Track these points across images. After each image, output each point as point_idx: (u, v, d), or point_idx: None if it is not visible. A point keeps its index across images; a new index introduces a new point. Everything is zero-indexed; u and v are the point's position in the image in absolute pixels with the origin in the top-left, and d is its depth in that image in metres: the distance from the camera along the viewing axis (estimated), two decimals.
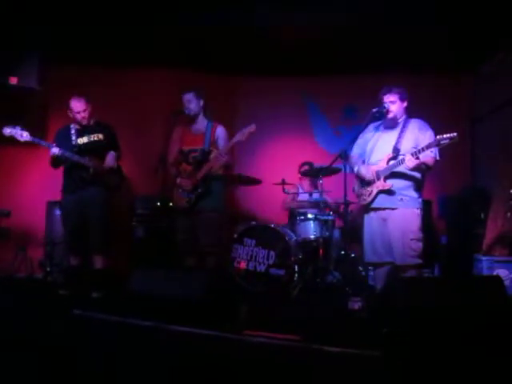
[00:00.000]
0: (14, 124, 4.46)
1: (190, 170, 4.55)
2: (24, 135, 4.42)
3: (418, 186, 4.06)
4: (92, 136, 4.61)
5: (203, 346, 2.65)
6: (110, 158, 4.63)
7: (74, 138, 4.59)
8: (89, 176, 4.48)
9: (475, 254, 4.88)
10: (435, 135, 3.81)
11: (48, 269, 5.35)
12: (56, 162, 4.56)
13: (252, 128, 4.36)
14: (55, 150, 4.42)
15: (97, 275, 4.52)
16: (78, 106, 4.55)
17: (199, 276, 3.55)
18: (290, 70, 6.36)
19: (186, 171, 4.58)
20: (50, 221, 5.58)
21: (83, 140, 4.60)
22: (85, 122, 4.63)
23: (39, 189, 5.90)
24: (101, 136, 4.64)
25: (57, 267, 5.34)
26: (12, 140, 4.46)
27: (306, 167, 5.74)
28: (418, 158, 3.83)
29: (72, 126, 4.66)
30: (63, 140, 4.58)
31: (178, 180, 4.59)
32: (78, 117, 4.57)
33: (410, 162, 3.84)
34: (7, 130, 4.43)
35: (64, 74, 5.85)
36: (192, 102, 4.59)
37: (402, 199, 3.98)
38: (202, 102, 4.64)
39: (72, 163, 4.50)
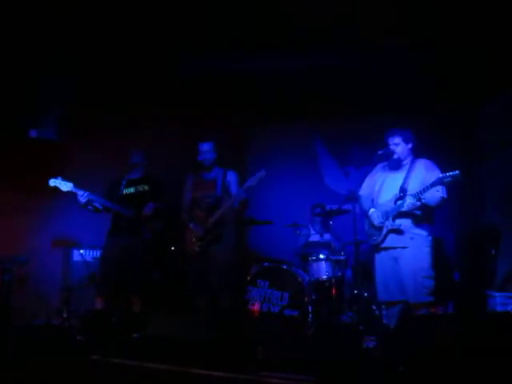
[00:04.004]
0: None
1: (203, 216, 4.66)
2: (67, 185, 4.66)
3: (428, 223, 4.12)
4: (139, 187, 4.90)
5: None
6: (148, 208, 4.81)
7: (122, 187, 4.89)
8: (130, 223, 4.74)
9: (488, 290, 4.87)
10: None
11: (65, 315, 5.40)
12: (90, 209, 4.76)
13: (262, 174, 4.48)
14: (83, 197, 4.62)
15: (137, 317, 4.64)
16: (131, 155, 4.90)
17: (213, 318, 3.59)
18: (299, 112, 6.53)
19: (198, 217, 4.69)
20: (67, 267, 5.67)
21: (129, 190, 4.89)
22: (134, 172, 4.93)
23: (56, 235, 6.01)
24: (146, 187, 4.90)
25: (74, 313, 5.39)
26: (28, 188, 4.66)
27: (318, 209, 5.83)
28: (419, 200, 3.91)
29: (126, 176, 4.95)
30: (111, 189, 4.87)
31: (191, 226, 4.69)
32: (131, 165, 4.90)
33: (409, 205, 3.93)
34: (52, 182, 4.67)
35: (80, 126, 6.05)
36: (209, 153, 4.74)
37: (412, 238, 4.04)
38: (217, 154, 4.80)
39: (114, 212, 4.78)
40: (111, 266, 4.74)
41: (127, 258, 4.71)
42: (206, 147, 4.75)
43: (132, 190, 4.89)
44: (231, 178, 4.81)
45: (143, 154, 4.95)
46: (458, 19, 4.49)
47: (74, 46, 4.92)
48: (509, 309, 4.45)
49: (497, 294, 4.66)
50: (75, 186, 4.68)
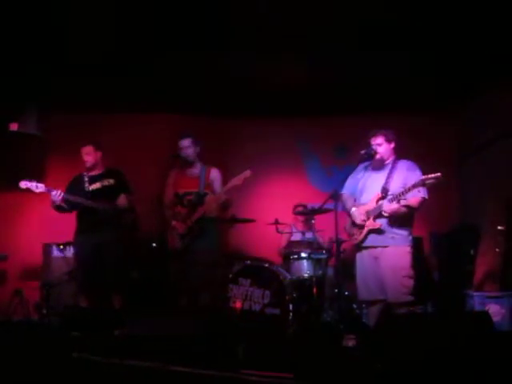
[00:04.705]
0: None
1: (185, 213, 4.65)
2: (39, 187, 4.64)
3: (408, 223, 4.16)
4: (104, 181, 4.89)
5: None
6: (121, 200, 4.87)
7: (86, 185, 4.85)
8: (101, 218, 4.70)
9: (467, 290, 4.95)
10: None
11: (44, 311, 5.37)
12: (64, 208, 4.74)
13: (247, 174, 4.48)
14: (57, 196, 4.60)
15: (117, 314, 4.62)
16: (86, 152, 4.87)
17: (195, 316, 3.59)
18: (283, 112, 6.55)
19: (180, 214, 4.68)
20: (47, 263, 5.62)
21: (96, 186, 4.86)
22: (94, 168, 4.91)
23: (35, 232, 5.97)
24: (112, 181, 4.91)
25: (53, 310, 5.35)
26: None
27: (300, 208, 5.87)
28: (399, 202, 3.95)
29: (85, 173, 4.93)
30: (76, 187, 4.82)
31: (173, 223, 4.68)
32: (86, 162, 4.87)
33: (386, 207, 3.98)
34: (23, 184, 4.64)
35: (63, 120, 6.02)
36: (189, 148, 4.73)
37: (392, 237, 4.09)
38: (198, 149, 4.78)
39: (83, 208, 4.73)
40: (89, 264, 4.71)
41: (103, 255, 4.71)
42: (185, 143, 4.75)
43: (98, 185, 4.87)
44: (214, 175, 4.81)
45: (93, 146, 4.93)
46: (440, 21, 4.54)
47: (57, 41, 4.86)
48: (486, 308, 4.53)
49: (475, 294, 4.75)
50: (47, 186, 4.67)
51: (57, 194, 4.60)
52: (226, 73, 5.55)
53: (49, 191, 4.63)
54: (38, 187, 4.63)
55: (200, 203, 4.62)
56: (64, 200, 4.67)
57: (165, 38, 4.84)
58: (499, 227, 5.06)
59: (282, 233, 5.65)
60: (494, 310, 4.53)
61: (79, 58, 5.13)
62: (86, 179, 4.88)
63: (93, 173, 4.92)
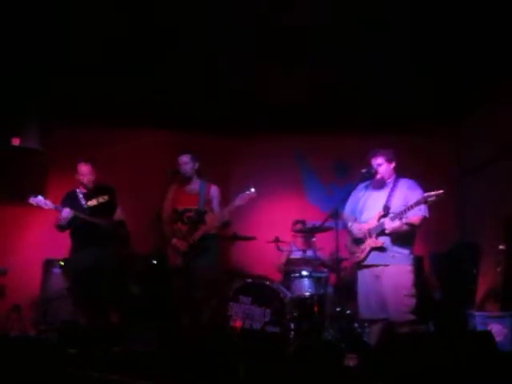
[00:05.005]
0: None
1: (185, 231, 4.63)
2: (48, 203, 4.64)
3: (410, 242, 4.15)
4: (100, 198, 4.89)
5: None
6: (118, 215, 4.93)
7: (83, 201, 4.84)
8: (102, 233, 4.72)
9: (468, 309, 4.92)
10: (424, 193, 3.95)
11: (42, 327, 5.32)
12: (67, 225, 4.71)
13: (252, 194, 4.47)
14: (69, 214, 4.61)
15: (115, 330, 4.64)
16: (84, 170, 4.83)
17: (196, 334, 3.57)
18: (283, 130, 6.57)
19: (181, 231, 4.66)
20: (46, 279, 5.59)
21: (93, 202, 4.86)
22: (90, 185, 4.88)
23: (35, 247, 5.95)
24: (106, 197, 4.92)
25: (51, 325, 5.31)
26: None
27: (299, 225, 5.85)
28: (401, 219, 3.95)
29: (78, 190, 4.90)
30: (71, 204, 4.77)
31: (174, 241, 4.66)
32: (85, 180, 4.84)
33: (388, 225, 3.98)
34: (33, 200, 4.63)
35: (64, 135, 6.03)
36: (188, 164, 4.73)
37: (393, 256, 4.07)
38: (197, 165, 4.79)
39: (82, 224, 4.71)
40: (87, 279, 4.66)
41: (102, 270, 4.69)
42: (184, 159, 4.76)
43: (94, 202, 4.88)
44: (214, 192, 4.81)
45: (91, 164, 4.93)
46: (439, 36, 4.60)
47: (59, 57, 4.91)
48: (488, 328, 4.49)
49: (477, 314, 4.71)
50: (54, 203, 4.68)
51: (67, 211, 4.60)
52: (227, 91, 5.58)
53: (57, 208, 4.64)
54: (46, 204, 4.64)
55: (200, 221, 4.61)
56: (73, 217, 4.66)
57: (166, 52, 4.89)
58: (500, 246, 5.04)
59: (282, 250, 5.64)
60: (496, 330, 4.49)
61: (80, 67, 5.17)
62: (81, 196, 4.87)
63: (86, 189, 4.91)
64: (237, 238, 5.48)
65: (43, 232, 5.56)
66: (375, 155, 4.23)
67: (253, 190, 4.47)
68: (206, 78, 5.35)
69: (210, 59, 5.02)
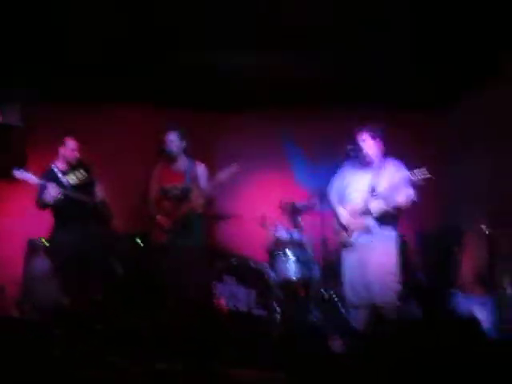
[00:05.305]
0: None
1: (170, 208, 4.58)
2: (34, 178, 4.51)
3: (395, 223, 4.17)
4: (77, 173, 4.73)
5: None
6: (100, 191, 4.84)
7: (63, 179, 4.69)
8: (87, 211, 4.64)
9: (451, 289, 4.97)
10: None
11: (26, 308, 5.27)
12: (52, 203, 4.56)
13: (234, 169, 4.43)
14: (57, 191, 4.47)
15: (100, 309, 4.59)
16: (73, 145, 4.73)
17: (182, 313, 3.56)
18: (269, 107, 6.50)
19: (165, 209, 4.62)
20: (30, 259, 5.51)
21: (72, 178, 4.71)
22: (73, 162, 4.76)
23: (16, 225, 5.85)
24: (84, 172, 4.76)
25: (34, 306, 5.26)
26: None
27: (286, 205, 5.80)
28: (387, 201, 3.95)
29: (53, 166, 4.76)
30: (52, 181, 4.61)
31: (158, 217, 4.61)
32: (72, 155, 4.73)
33: (374, 206, 4.00)
34: (18, 174, 4.50)
35: (43, 112, 5.89)
36: (175, 142, 4.66)
37: (379, 236, 4.08)
38: (184, 143, 4.72)
39: (65, 202, 4.56)
40: (72, 259, 4.61)
41: (88, 249, 4.63)
42: (171, 137, 4.68)
43: (74, 178, 4.73)
44: (200, 170, 4.76)
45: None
46: (428, 25, 4.55)
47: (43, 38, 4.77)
48: (470, 310, 4.54)
49: (460, 295, 4.76)
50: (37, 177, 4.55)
51: (55, 188, 4.45)
52: (213, 67, 5.49)
53: (43, 184, 4.47)
54: (32, 178, 4.50)
55: (186, 198, 4.56)
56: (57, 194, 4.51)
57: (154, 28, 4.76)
58: (482, 227, 5.07)
59: (266, 227, 5.56)
60: (477, 312, 4.55)
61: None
62: (59, 173, 4.72)
63: (60, 166, 4.77)
64: (221, 216, 5.45)
65: (24, 209, 5.44)
66: (360, 131, 4.20)
67: (235, 165, 4.42)
68: (193, 56, 5.25)
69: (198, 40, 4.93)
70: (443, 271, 5.39)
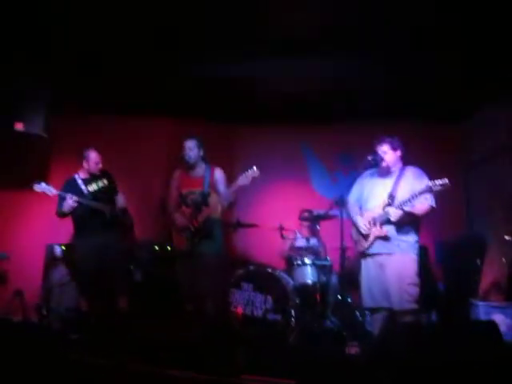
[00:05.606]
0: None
1: (189, 213, 4.60)
2: (52, 190, 4.69)
3: (415, 231, 4.12)
4: (99, 183, 4.90)
5: None
6: (120, 200, 4.98)
7: (83, 187, 4.84)
8: (107, 219, 4.75)
9: (472, 299, 4.89)
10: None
11: (44, 313, 5.32)
12: (70, 212, 4.71)
13: (255, 173, 4.42)
14: (73, 200, 4.61)
15: (120, 317, 4.65)
16: (95, 157, 4.89)
17: (198, 320, 3.56)
18: (288, 118, 6.51)
19: (184, 214, 4.63)
20: (49, 264, 5.58)
21: (93, 187, 4.87)
22: (96, 173, 4.91)
23: (37, 232, 5.94)
24: (105, 182, 4.94)
25: (53, 311, 5.31)
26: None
27: (306, 214, 5.82)
28: (406, 209, 3.91)
29: (76, 176, 4.91)
30: (73, 190, 4.77)
31: (176, 215, 4.64)
32: (95, 167, 4.88)
33: (393, 214, 3.96)
34: (38, 188, 4.68)
35: (65, 122, 5.99)
36: (193, 150, 4.69)
37: (398, 245, 4.05)
38: (202, 151, 4.75)
39: (85, 210, 4.72)
40: (92, 266, 4.69)
41: (107, 256, 4.71)
42: (190, 144, 4.71)
43: (95, 187, 4.89)
44: (218, 175, 4.76)
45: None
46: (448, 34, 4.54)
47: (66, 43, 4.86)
48: (491, 318, 4.46)
49: (480, 304, 4.68)
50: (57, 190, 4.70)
51: (72, 197, 4.61)
52: (231, 78, 5.53)
53: (62, 195, 4.66)
54: (51, 191, 4.68)
55: (204, 203, 4.57)
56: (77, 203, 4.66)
57: (169, 41, 4.85)
58: (506, 237, 5.00)
59: (286, 238, 5.61)
60: (499, 320, 4.46)
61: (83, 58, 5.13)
62: (80, 182, 4.87)
63: (83, 175, 4.92)
64: (240, 224, 5.46)
65: (45, 217, 5.53)
66: (380, 142, 4.19)
67: (255, 168, 4.40)
68: (210, 68, 5.31)
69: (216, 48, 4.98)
70: (464, 280, 5.30)
